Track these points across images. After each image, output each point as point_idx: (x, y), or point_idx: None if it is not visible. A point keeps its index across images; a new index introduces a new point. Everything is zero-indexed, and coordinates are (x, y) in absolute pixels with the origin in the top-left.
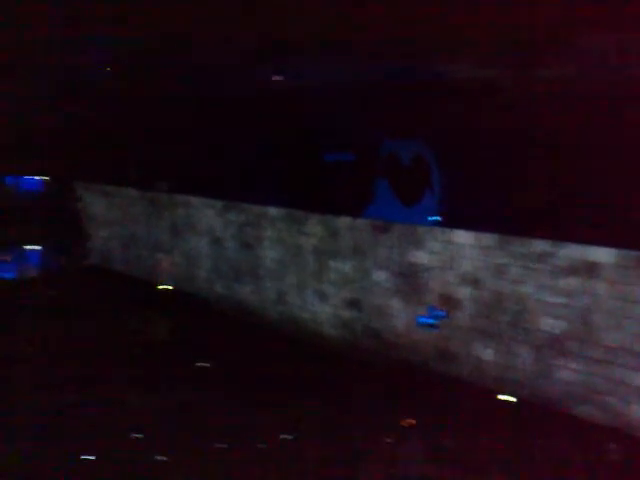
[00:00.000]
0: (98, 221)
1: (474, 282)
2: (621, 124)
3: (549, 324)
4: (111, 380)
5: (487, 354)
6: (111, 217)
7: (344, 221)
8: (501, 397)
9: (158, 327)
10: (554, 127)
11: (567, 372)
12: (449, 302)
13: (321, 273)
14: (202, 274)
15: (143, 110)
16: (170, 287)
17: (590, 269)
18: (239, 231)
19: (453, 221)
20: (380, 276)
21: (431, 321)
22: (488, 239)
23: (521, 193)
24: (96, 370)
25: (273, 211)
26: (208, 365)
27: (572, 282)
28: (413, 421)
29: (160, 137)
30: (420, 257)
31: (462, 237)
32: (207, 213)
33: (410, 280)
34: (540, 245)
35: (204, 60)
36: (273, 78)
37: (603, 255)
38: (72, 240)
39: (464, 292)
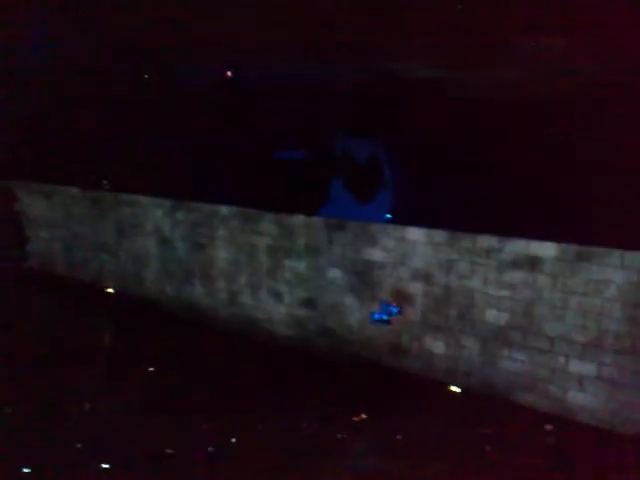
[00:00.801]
0: (38, 222)
1: (425, 278)
2: (566, 122)
3: (494, 316)
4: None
5: (437, 347)
6: (52, 218)
7: (298, 219)
8: (451, 388)
9: (101, 332)
10: (502, 126)
11: (511, 362)
12: (402, 298)
13: (275, 272)
14: (151, 276)
15: (85, 107)
16: (117, 290)
17: (533, 263)
18: (190, 231)
19: (406, 219)
20: (335, 274)
21: (384, 317)
22: (439, 236)
23: (471, 190)
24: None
25: (225, 210)
26: (153, 369)
27: (516, 276)
28: (364, 416)
29: (104, 135)
30: (374, 254)
31: (414, 234)
32: (155, 212)
33: (364, 277)
34: (487, 241)
35: (152, 56)
36: (225, 75)
37: (545, 249)
38: (8, 243)
39: (416, 288)
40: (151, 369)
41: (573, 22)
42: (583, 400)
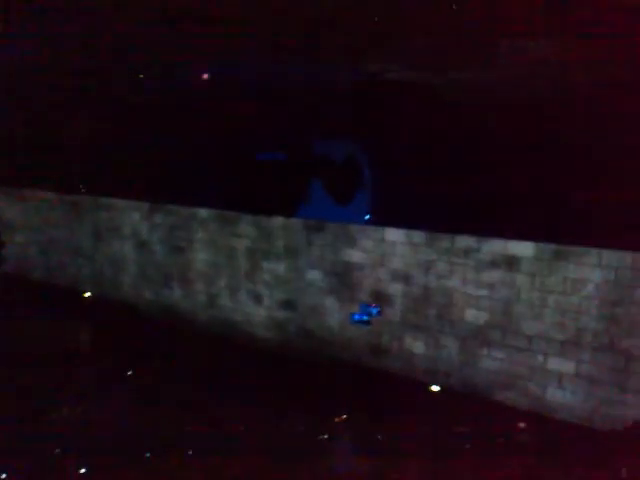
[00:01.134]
0: (13, 227)
1: (405, 278)
2: (545, 123)
3: (473, 316)
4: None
5: (417, 347)
6: (28, 222)
7: (277, 221)
8: (432, 388)
9: (78, 337)
10: (481, 127)
11: (490, 361)
12: (381, 298)
13: (254, 274)
14: (129, 280)
15: (61, 110)
16: (94, 295)
17: (511, 262)
18: (168, 234)
19: (386, 219)
20: (314, 276)
21: (364, 318)
22: (417, 236)
23: (449, 191)
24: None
25: (203, 212)
26: (131, 373)
27: (494, 275)
28: (345, 416)
29: (80, 138)
30: (353, 255)
31: (393, 235)
32: (133, 216)
33: (344, 279)
34: (465, 241)
35: (128, 57)
36: (202, 77)
37: (522, 249)
38: None
39: (395, 288)
40: (129, 373)
41: (556, 25)
42: (562, 398)
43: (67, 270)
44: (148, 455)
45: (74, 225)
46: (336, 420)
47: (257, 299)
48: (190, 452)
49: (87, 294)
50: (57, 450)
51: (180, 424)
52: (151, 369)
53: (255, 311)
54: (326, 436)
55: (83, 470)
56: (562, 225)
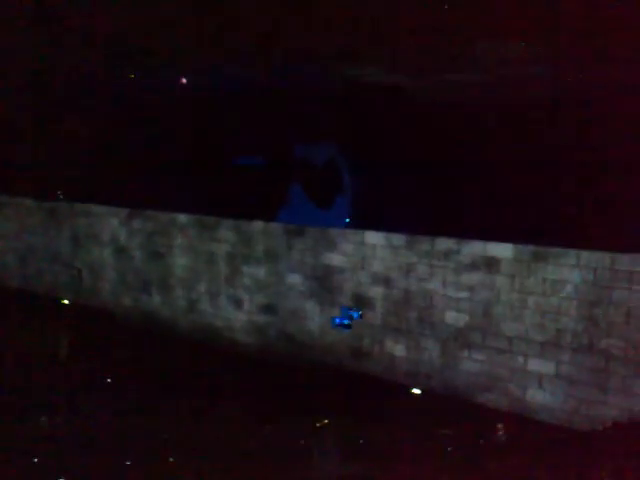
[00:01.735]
0: None
1: (385, 281)
2: (522, 125)
3: (453, 318)
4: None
5: (398, 350)
6: (6, 229)
7: (257, 226)
8: (413, 391)
9: (55, 345)
10: (458, 130)
11: (471, 363)
12: (362, 302)
13: (234, 279)
14: (108, 287)
15: (39, 116)
16: (73, 302)
17: (490, 264)
18: (147, 240)
19: (366, 223)
20: (295, 280)
21: (345, 321)
22: (397, 239)
23: (428, 194)
24: None
25: (183, 218)
26: (109, 381)
27: (474, 277)
28: (326, 421)
29: (59, 145)
30: (333, 259)
31: (373, 238)
32: (111, 222)
33: (324, 282)
34: (445, 243)
35: (105, 62)
36: (180, 82)
37: (501, 250)
38: None
39: (376, 291)
40: (108, 380)
41: (533, 27)
42: (542, 399)
43: (45, 277)
44: (129, 463)
45: (52, 232)
46: (317, 425)
47: (237, 304)
48: (171, 459)
49: (65, 301)
50: (35, 459)
51: (159, 431)
52: (129, 376)
53: (235, 316)
54: (308, 441)
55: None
56: (541, 226)
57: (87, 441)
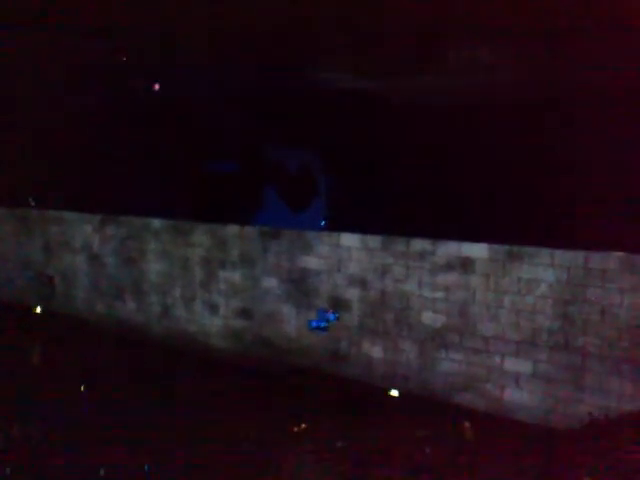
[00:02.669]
0: None
1: (361, 283)
2: (493, 126)
3: (430, 319)
4: None
5: (375, 352)
6: None
7: (232, 229)
8: (391, 393)
9: (26, 353)
10: (431, 132)
11: (448, 363)
12: (338, 304)
13: (210, 284)
14: (81, 294)
15: (8, 121)
16: (45, 310)
17: (465, 264)
18: (120, 245)
19: (341, 225)
20: (270, 283)
21: (322, 324)
22: (373, 241)
23: (403, 195)
24: None
25: (156, 223)
26: (83, 388)
27: (450, 277)
28: (304, 425)
29: (29, 150)
30: (309, 262)
31: (349, 240)
32: (84, 228)
33: (300, 285)
34: (420, 244)
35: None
36: (153, 87)
37: (477, 250)
38: None
39: (352, 293)
40: (82, 388)
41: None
42: (520, 398)
43: (16, 285)
44: (102, 472)
45: (23, 239)
46: (294, 429)
47: (213, 308)
48: (146, 467)
49: (38, 309)
50: (7, 469)
51: (133, 440)
52: (103, 384)
53: (211, 321)
54: (285, 446)
55: None
56: (516, 226)
57: (54, 448)
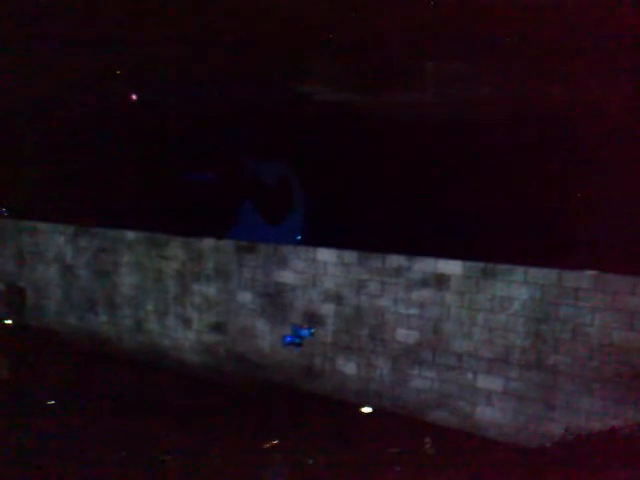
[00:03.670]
0: None
1: (336, 298)
2: (471, 142)
3: (404, 335)
4: None
5: (349, 368)
6: None
7: (208, 243)
8: (363, 410)
9: None
10: (410, 147)
11: (421, 380)
12: (313, 320)
13: (184, 297)
14: (53, 306)
15: None
16: (16, 322)
17: (440, 281)
18: (93, 257)
19: (317, 240)
20: (245, 297)
21: (296, 340)
22: (349, 256)
23: (380, 211)
24: None
25: (130, 235)
26: (53, 402)
27: (425, 294)
28: (276, 442)
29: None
30: (285, 276)
31: (325, 255)
32: (57, 239)
33: (275, 300)
34: (396, 260)
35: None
36: (130, 97)
37: (451, 267)
38: None
39: (327, 309)
40: (51, 402)
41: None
42: (491, 415)
43: None
44: None
45: None
46: (266, 446)
47: (186, 323)
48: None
49: (8, 321)
50: None
51: (99, 459)
52: (72, 399)
53: (184, 335)
54: (256, 463)
55: None
56: (491, 244)
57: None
